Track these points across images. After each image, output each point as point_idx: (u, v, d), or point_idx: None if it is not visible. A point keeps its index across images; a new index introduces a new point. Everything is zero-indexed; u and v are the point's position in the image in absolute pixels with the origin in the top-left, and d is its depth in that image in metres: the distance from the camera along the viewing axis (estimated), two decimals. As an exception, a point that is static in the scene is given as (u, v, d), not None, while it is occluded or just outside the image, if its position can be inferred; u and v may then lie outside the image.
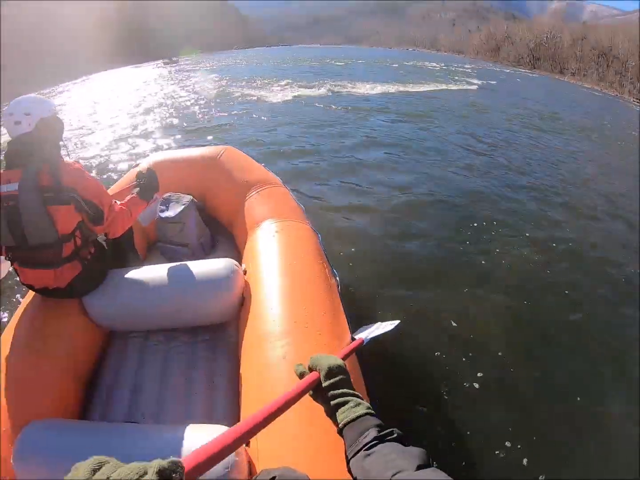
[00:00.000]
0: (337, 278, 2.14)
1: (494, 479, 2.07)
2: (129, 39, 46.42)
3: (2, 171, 1.64)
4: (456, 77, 24.98)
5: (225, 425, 1.37)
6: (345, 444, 0.72)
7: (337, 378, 0.79)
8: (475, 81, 23.64)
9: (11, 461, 1.29)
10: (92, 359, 1.91)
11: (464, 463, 2.12)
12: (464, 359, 2.75)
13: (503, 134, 9.81)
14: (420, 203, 5.12)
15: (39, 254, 1.69)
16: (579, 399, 2.57)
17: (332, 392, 0.77)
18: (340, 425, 0.74)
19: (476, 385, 2.56)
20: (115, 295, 1.90)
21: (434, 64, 36.32)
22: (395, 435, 0.68)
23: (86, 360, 1.87)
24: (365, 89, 15.70)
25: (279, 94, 13.58)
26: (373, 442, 0.66)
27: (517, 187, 6.13)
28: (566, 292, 3.63)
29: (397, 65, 31.92)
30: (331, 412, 0.77)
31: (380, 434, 0.67)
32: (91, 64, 25.65)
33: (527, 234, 4.58)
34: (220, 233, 2.82)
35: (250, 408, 1.46)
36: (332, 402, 0.77)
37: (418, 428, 2.23)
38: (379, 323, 1.42)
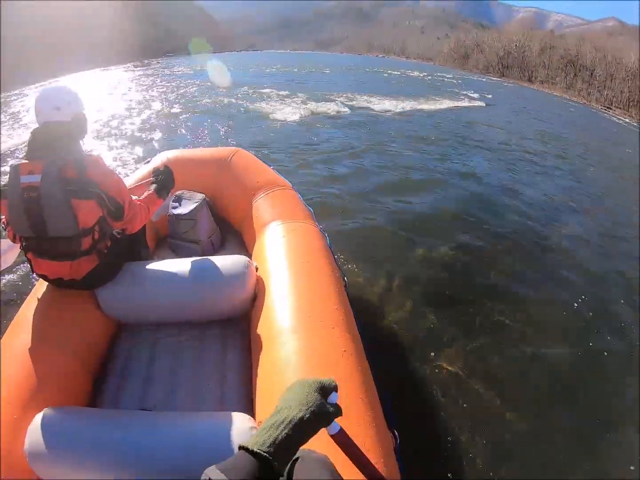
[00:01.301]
0: (346, 279, 2.15)
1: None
2: (101, 41, 44.46)
3: (23, 162, 1.63)
4: (450, 90, 23.96)
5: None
6: None
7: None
8: (472, 94, 22.44)
9: (24, 448, 1.29)
10: (103, 350, 1.93)
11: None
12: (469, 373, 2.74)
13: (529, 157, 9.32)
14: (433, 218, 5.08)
15: (57, 246, 1.69)
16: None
17: None
18: None
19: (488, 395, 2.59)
20: (128, 288, 1.92)
21: (417, 73, 35.68)
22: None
23: (97, 350, 1.88)
24: (369, 103, 14.40)
25: (282, 109, 11.86)
26: None
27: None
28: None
29: (385, 75, 30.81)
30: None
31: None
32: (56, 66, 24.19)
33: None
34: (230, 232, 2.87)
35: (266, 399, 1.48)
36: None
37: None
38: None
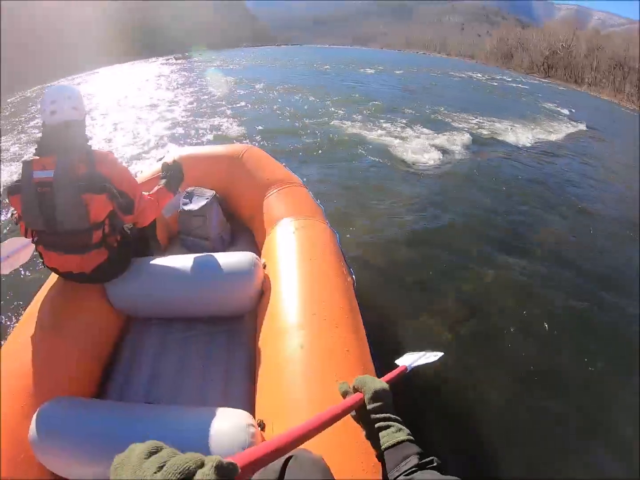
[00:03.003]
0: (354, 277, 2.15)
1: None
2: (134, 34, 44.72)
3: (36, 158, 1.67)
4: (534, 102, 18.82)
5: (241, 409, 1.41)
6: (383, 467, 0.73)
7: (381, 402, 0.79)
8: (559, 109, 17.79)
9: (29, 437, 1.30)
10: (111, 343, 1.96)
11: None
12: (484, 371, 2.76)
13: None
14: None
15: (68, 240, 1.72)
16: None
17: (375, 415, 0.78)
18: (382, 448, 0.74)
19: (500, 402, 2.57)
20: (137, 283, 1.94)
21: (479, 76, 31.20)
22: (435, 464, 0.69)
23: (105, 343, 1.91)
24: (481, 128, 10.64)
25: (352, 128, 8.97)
26: (413, 469, 0.67)
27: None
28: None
29: (455, 79, 26.20)
30: (371, 434, 0.78)
31: (421, 461, 0.68)
32: (95, 59, 24.52)
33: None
34: (240, 229, 2.87)
35: (267, 397, 1.49)
36: (376, 425, 0.77)
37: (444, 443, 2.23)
38: (424, 352, 1.33)
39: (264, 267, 2.08)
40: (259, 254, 2.34)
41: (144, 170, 2.91)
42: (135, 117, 9.53)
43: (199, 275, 1.92)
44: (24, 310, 1.88)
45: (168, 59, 29.31)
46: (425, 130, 9.43)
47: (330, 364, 1.44)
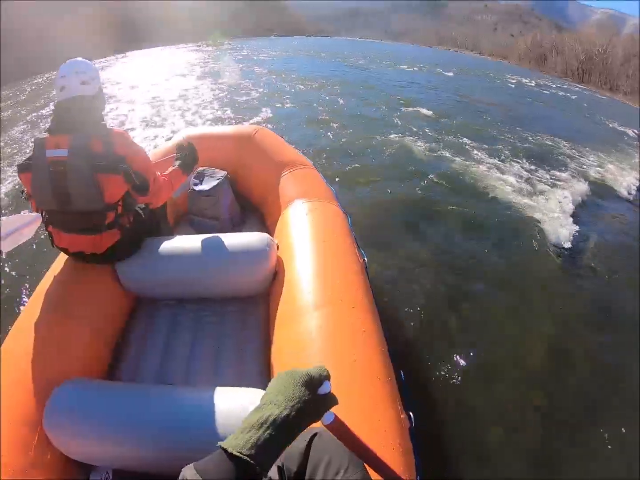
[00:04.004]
0: (365, 259, 2.12)
1: None
2: (161, 18, 44.80)
3: (48, 136, 1.62)
4: (602, 123, 14.69)
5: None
6: None
7: None
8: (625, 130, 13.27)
9: (43, 421, 1.29)
10: (122, 324, 1.94)
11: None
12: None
13: None
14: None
15: (81, 220, 1.69)
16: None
17: None
18: None
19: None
20: (149, 263, 1.91)
21: (525, 80, 25.64)
22: None
23: (116, 324, 1.88)
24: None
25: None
26: None
27: None
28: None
29: (512, 84, 21.75)
30: None
31: None
32: (126, 43, 24.67)
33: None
34: (250, 210, 2.83)
35: None
36: None
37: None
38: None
39: (277, 248, 2.06)
40: (270, 235, 2.30)
41: (156, 149, 2.87)
42: (153, 99, 9.31)
43: (211, 256, 1.90)
44: (32, 291, 1.85)
45: (199, 45, 29.15)
46: (517, 162, 6.68)
47: (349, 344, 1.44)
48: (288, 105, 9.26)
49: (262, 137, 2.82)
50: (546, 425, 2.34)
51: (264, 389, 1.44)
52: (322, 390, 0.65)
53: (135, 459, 1.30)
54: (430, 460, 1.63)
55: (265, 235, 1.97)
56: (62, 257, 1.92)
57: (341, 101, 10.16)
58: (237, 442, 0.54)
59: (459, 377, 2.49)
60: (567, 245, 4.27)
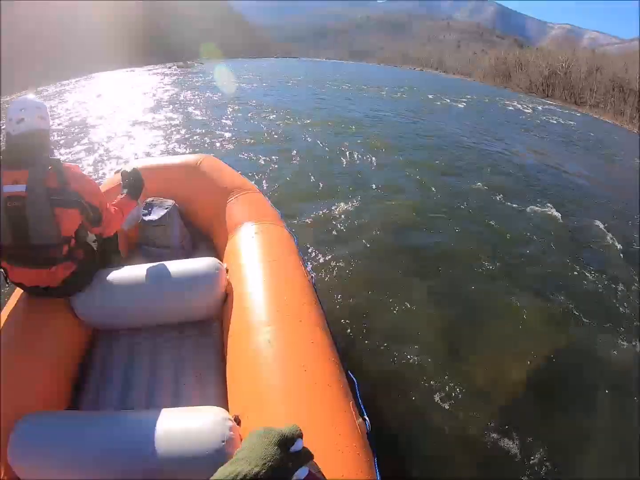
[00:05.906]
0: (313, 275, 2.27)
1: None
2: (135, 39, 43.28)
3: (4, 172, 1.63)
4: (596, 146, 15.18)
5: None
6: None
7: None
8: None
9: (8, 458, 1.31)
10: (80, 356, 1.96)
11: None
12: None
13: None
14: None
15: (37, 254, 1.71)
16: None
17: None
18: None
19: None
20: (103, 295, 1.94)
21: (519, 106, 25.68)
22: None
23: (74, 357, 1.90)
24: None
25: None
26: None
27: None
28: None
29: (510, 107, 22.47)
30: None
31: None
32: (94, 64, 23.57)
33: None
34: (199, 237, 2.88)
35: (239, 393, 1.55)
36: None
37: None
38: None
39: (227, 271, 2.13)
40: (220, 259, 2.36)
41: (103, 180, 2.91)
42: (107, 127, 9.13)
43: (163, 283, 1.95)
44: None
45: (170, 66, 28.47)
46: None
47: (298, 355, 1.53)
48: (241, 132, 9.22)
49: (208, 164, 2.89)
50: (501, 423, 2.44)
51: (222, 406, 1.47)
52: (295, 448, 0.68)
53: None
54: (390, 462, 1.76)
55: (213, 260, 2.05)
56: (18, 293, 1.92)
57: (295, 128, 10.19)
58: None
59: (412, 380, 2.63)
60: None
